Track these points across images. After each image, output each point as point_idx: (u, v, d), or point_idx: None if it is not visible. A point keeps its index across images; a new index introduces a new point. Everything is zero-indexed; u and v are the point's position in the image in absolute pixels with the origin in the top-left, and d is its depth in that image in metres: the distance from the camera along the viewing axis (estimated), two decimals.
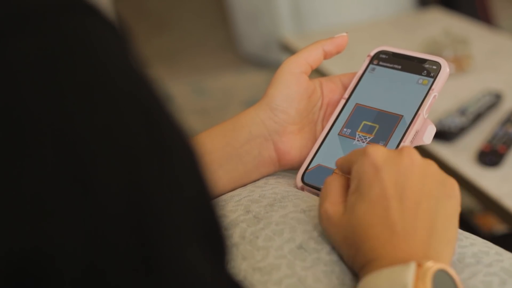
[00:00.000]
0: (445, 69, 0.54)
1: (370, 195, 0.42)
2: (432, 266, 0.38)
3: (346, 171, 0.46)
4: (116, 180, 0.26)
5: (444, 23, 1.82)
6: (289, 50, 1.82)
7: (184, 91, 2.69)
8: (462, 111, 1.27)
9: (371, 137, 0.54)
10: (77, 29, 0.27)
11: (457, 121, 1.24)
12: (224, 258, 0.31)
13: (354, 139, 0.55)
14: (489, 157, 1.16)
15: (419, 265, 0.38)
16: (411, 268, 0.38)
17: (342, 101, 0.57)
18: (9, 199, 0.25)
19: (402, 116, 0.54)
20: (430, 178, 0.43)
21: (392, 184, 0.42)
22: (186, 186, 0.29)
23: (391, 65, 0.57)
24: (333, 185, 0.45)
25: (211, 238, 0.30)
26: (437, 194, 0.43)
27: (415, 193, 0.42)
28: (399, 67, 0.56)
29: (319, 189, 0.53)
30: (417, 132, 0.53)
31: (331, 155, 0.55)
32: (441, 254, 0.41)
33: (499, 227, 1.52)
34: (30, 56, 0.26)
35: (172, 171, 0.28)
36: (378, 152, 0.43)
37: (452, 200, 0.44)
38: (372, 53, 0.58)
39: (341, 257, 0.44)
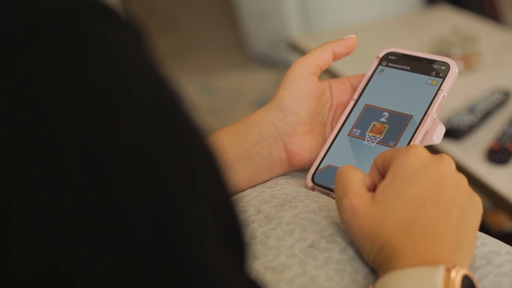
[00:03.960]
0: (454, 69, 0.55)
1: (407, 193, 0.42)
2: (460, 271, 0.39)
3: (380, 166, 0.45)
4: (141, 191, 0.26)
5: (452, 21, 1.82)
6: (297, 50, 1.83)
7: (192, 91, 2.70)
8: (471, 109, 1.27)
9: (381, 137, 0.55)
10: (95, 35, 0.26)
11: (466, 119, 1.24)
12: (244, 257, 0.31)
13: (364, 140, 0.55)
14: (498, 155, 1.16)
15: (447, 269, 0.39)
16: (441, 271, 0.38)
17: (352, 102, 0.57)
18: (33, 213, 0.24)
19: (412, 116, 0.54)
20: (462, 191, 0.44)
21: (430, 186, 0.43)
22: (209, 189, 0.29)
23: (400, 66, 0.57)
24: (352, 176, 0.44)
25: (233, 238, 0.30)
26: (465, 206, 0.44)
27: (448, 200, 0.43)
28: (408, 68, 0.57)
29: (329, 189, 0.54)
30: (426, 132, 0.54)
31: (341, 156, 0.55)
32: (461, 263, 0.42)
33: (509, 225, 1.52)
34: (48, 66, 0.25)
35: (195, 175, 0.28)
36: (422, 153, 0.44)
37: (477, 216, 0.45)
38: (381, 55, 0.58)
39: (360, 251, 0.44)
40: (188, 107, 0.30)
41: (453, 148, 1.21)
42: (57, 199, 0.25)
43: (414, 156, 0.43)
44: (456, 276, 0.38)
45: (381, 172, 0.46)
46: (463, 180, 0.45)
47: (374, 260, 0.43)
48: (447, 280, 0.38)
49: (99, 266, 0.25)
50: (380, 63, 0.58)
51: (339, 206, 0.44)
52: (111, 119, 0.26)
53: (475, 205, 0.45)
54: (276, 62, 2.79)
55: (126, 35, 0.28)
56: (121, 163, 0.26)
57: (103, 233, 0.25)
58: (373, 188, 0.45)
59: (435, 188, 0.43)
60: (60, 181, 0.25)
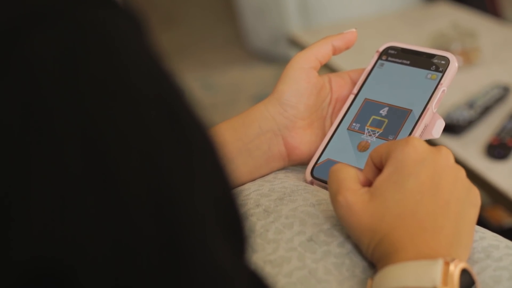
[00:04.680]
0: (454, 64, 0.55)
1: (405, 186, 0.42)
2: (459, 264, 0.39)
3: (377, 161, 0.45)
4: (141, 182, 0.26)
5: (452, 16, 1.82)
6: (297, 45, 1.82)
7: (192, 86, 2.69)
8: (470, 104, 1.27)
9: (380, 132, 0.55)
10: (95, 23, 0.26)
11: (465, 114, 1.24)
12: (245, 248, 0.31)
13: (363, 134, 0.55)
14: (498, 150, 1.16)
15: (446, 263, 0.39)
16: (439, 264, 0.38)
17: (351, 96, 0.57)
18: (33, 204, 0.24)
19: (411, 110, 0.54)
20: (460, 183, 0.44)
21: (428, 180, 0.43)
22: (210, 181, 0.29)
23: (399, 61, 0.57)
24: (345, 173, 0.45)
25: (233, 229, 0.30)
26: (464, 199, 0.44)
27: (446, 193, 0.43)
28: (408, 62, 0.57)
29: None
30: (426, 126, 0.54)
31: (340, 150, 0.55)
32: (460, 256, 0.42)
33: (508, 220, 1.52)
34: (49, 54, 0.25)
35: (195, 167, 0.28)
36: (421, 145, 0.44)
37: (475, 208, 0.45)
38: (381, 49, 0.58)
39: (358, 246, 0.44)
40: (189, 99, 0.30)
41: (453, 143, 1.21)
42: (57, 190, 0.25)
43: (412, 149, 0.43)
44: (455, 269, 0.38)
45: (378, 166, 0.45)
46: (462, 172, 0.45)
47: (373, 254, 0.43)
48: (446, 273, 0.38)
49: (99, 258, 0.25)
50: (380, 58, 0.58)
51: (334, 203, 0.44)
52: (112, 109, 0.26)
53: (473, 197, 0.45)
54: (276, 58, 2.79)
55: (126, 24, 0.28)
56: (121, 154, 0.26)
57: (103, 224, 0.25)
58: (367, 184, 0.45)
59: (433, 181, 0.43)
60: (59, 171, 0.25)
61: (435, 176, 0.43)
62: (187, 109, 0.29)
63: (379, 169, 0.45)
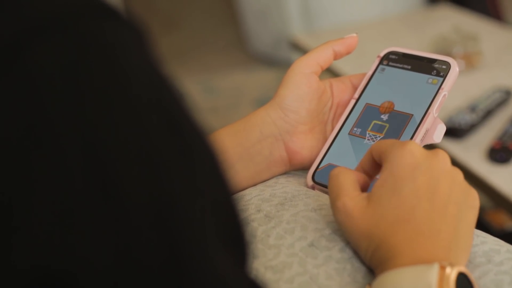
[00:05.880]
0: (455, 68, 0.55)
1: (402, 191, 0.42)
2: (455, 268, 0.39)
3: (377, 156, 0.46)
4: (142, 190, 0.26)
5: (454, 20, 1.82)
6: (299, 48, 1.82)
7: (194, 90, 2.70)
8: (472, 108, 1.27)
9: (382, 136, 0.55)
10: (96, 34, 0.27)
11: (467, 118, 1.24)
12: (245, 256, 0.31)
13: (365, 139, 0.55)
14: (500, 154, 1.16)
15: (442, 267, 0.39)
16: (435, 269, 0.38)
17: (352, 101, 0.57)
18: (34, 213, 0.24)
19: (412, 115, 0.54)
20: (458, 186, 0.44)
21: (425, 184, 0.43)
22: (210, 188, 0.29)
23: (401, 65, 0.57)
24: (345, 178, 0.45)
25: (233, 237, 0.30)
26: (461, 202, 0.44)
27: (443, 197, 0.43)
28: (409, 67, 0.57)
29: None
30: (427, 131, 0.54)
31: (341, 154, 0.55)
32: (459, 260, 0.42)
33: (511, 224, 1.52)
34: (50, 66, 0.25)
35: (196, 175, 0.28)
36: (417, 150, 0.43)
37: (474, 211, 0.45)
38: (381, 54, 0.59)
39: (357, 252, 0.44)
40: (189, 106, 0.30)
41: (454, 147, 1.21)
42: (58, 199, 0.25)
43: (408, 154, 0.43)
44: (451, 273, 0.38)
45: (378, 161, 0.46)
46: (459, 175, 0.45)
47: (371, 260, 0.43)
48: (442, 278, 0.38)
49: (100, 266, 0.25)
50: (381, 62, 0.58)
51: (334, 209, 0.45)
52: (112, 118, 0.26)
53: (472, 200, 0.45)
54: (277, 61, 2.79)
55: (127, 34, 0.28)
56: (122, 162, 0.26)
57: (104, 232, 0.25)
58: (366, 185, 0.46)
59: (430, 186, 0.43)
60: (61, 180, 0.25)
61: (432, 180, 0.43)
62: (187, 117, 0.29)
63: (377, 163, 0.46)
